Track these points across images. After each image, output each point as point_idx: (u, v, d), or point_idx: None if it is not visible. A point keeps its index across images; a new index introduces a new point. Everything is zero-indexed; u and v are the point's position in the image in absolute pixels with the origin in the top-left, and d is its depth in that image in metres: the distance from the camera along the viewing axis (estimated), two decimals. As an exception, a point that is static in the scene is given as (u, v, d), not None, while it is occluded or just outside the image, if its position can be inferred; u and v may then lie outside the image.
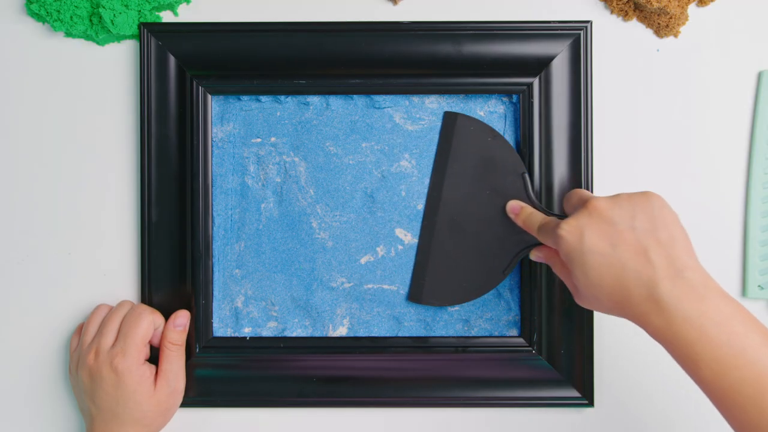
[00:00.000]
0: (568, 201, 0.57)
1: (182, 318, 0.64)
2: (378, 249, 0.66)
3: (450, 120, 0.65)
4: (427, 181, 0.66)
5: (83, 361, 0.62)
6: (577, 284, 0.53)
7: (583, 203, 0.54)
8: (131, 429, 0.61)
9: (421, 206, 0.66)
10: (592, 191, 0.64)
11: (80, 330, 0.65)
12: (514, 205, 0.62)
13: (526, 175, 0.63)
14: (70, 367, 0.64)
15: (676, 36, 0.66)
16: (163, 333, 0.63)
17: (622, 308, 0.51)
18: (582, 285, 0.52)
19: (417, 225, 0.66)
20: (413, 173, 0.66)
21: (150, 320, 0.62)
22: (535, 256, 0.61)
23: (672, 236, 0.50)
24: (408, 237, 0.66)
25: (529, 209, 0.61)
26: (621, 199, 0.52)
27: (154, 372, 0.62)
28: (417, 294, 0.66)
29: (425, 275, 0.65)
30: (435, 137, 0.66)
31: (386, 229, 0.66)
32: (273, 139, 0.66)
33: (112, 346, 0.61)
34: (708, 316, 0.48)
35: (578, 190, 0.57)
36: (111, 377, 0.60)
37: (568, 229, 0.52)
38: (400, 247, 0.66)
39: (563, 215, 0.58)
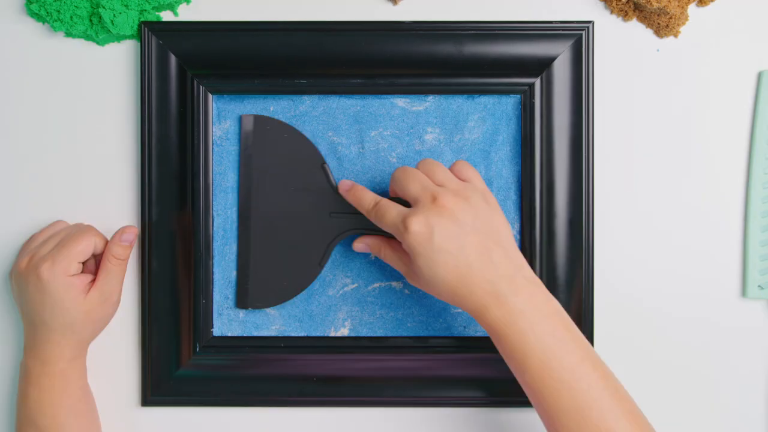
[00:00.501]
0: (403, 183, 0.58)
1: (130, 234, 0.63)
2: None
3: (247, 123, 0.65)
4: (449, 156, 0.66)
5: (16, 265, 0.62)
6: (420, 275, 0.56)
7: (431, 197, 0.56)
8: (59, 335, 0.61)
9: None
10: (593, 191, 0.64)
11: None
12: (345, 182, 0.63)
13: (326, 165, 0.64)
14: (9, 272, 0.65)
15: (676, 36, 0.66)
16: (107, 245, 0.63)
17: (462, 300, 0.56)
18: (426, 277, 0.56)
19: None
20: (439, 146, 0.66)
21: (91, 241, 0.61)
22: (360, 246, 0.63)
23: (507, 236, 0.57)
24: None
25: (360, 186, 0.62)
26: (460, 197, 0.56)
27: (87, 282, 0.61)
28: (243, 300, 0.66)
29: (248, 280, 0.66)
30: (444, 115, 0.65)
31: None
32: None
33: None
34: (539, 309, 0.55)
35: (412, 171, 0.58)
36: (36, 283, 0.60)
37: (418, 224, 0.55)
38: None
39: (392, 198, 0.60)
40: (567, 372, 0.53)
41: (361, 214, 0.61)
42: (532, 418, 0.66)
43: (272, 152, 0.65)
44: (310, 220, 0.64)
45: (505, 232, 0.57)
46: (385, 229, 0.58)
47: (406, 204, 0.59)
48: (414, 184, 0.58)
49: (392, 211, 0.57)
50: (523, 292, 0.55)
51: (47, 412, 0.61)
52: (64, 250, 0.60)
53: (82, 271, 0.62)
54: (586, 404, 0.53)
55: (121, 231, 0.63)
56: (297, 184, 0.65)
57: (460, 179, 0.59)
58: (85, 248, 0.61)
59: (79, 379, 0.63)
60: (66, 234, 0.62)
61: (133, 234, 0.64)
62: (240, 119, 0.66)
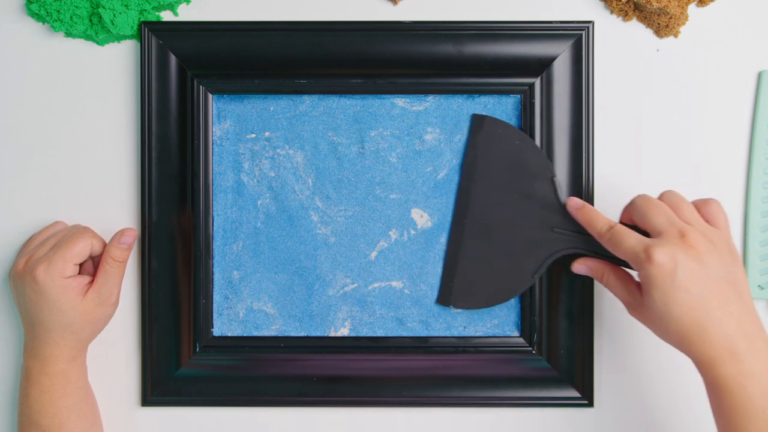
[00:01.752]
0: (646, 211, 0.57)
1: (128, 237, 0.63)
2: (391, 233, 0.66)
3: (478, 122, 0.65)
4: (449, 156, 0.66)
5: (14, 266, 0.62)
6: (651, 308, 0.54)
7: (678, 233, 0.54)
8: (57, 335, 0.61)
9: (441, 175, 0.66)
10: (593, 191, 0.64)
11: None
12: (575, 200, 0.62)
13: (556, 179, 0.63)
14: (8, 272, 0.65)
15: (676, 36, 0.66)
16: (106, 247, 0.63)
17: (690, 346, 0.53)
18: (657, 312, 0.54)
19: (435, 203, 0.66)
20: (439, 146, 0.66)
21: (88, 243, 0.61)
22: (581, 268, 0.61)
23: (747, 292, 0.54)
24: (424, 217, 0.66)
25: (591, 207, 0.61)
26: (708, 240, 0.54)
27: (85, 283, 0.61)
28: (446, 297, 0.65)
29: (454, 278, 0.65)
30: (444, 115, 0.66)
31: (400, 211, 0.66)
32: (267, 133, 0.66)
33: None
34: None
35: (657, 202, 0.57)
36: (32, 285, 0.60)
37: (663, 256, 0.53)
38: (413, 231, 0.66)
39: (623, 224, 0.58)
40: None
41: (585, 234, 0.61)
42: (532, 417, 0.66)
43: (500, 156, 0.64)
44: (530, 230, 0.63)
45: (745, 287, 0.55)
46: (618, 255, 0.56)
47: (641, 232, 0.57)
48: (659, 215, 0.56)
49: (631, 237, 0.55)
50: (761, 355, 0.52)
51: (48, 412, 0.61)
52: (60, 252, 0.60)
53: (80, 273, 0.63)
54: None
55: (120, 233, 0.63)
56: (521, 192, 0.63)
57: (706, 220, 0.57)
58: (81, 251, 0.61)
59: (80, 379, 0.63)
60: (63, 236, 0.62)
61: (132, 236, 0.63)
62: (471, 118, 0.65)
